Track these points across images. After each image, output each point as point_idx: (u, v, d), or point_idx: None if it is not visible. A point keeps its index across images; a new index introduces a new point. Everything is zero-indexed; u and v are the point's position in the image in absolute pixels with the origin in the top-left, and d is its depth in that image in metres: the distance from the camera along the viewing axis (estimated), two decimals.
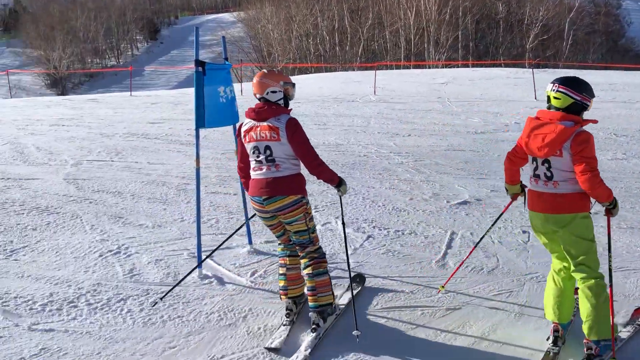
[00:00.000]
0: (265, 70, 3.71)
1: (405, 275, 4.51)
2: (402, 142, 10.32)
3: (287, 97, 3.71)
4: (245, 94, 17.86)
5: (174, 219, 5.95)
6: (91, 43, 61.05)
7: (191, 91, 20.57)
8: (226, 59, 5.20)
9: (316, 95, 17.74)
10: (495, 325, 3.74)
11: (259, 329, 3.68)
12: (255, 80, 3.68)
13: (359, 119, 13.17)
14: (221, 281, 4.41)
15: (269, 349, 3.41)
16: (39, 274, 4.45)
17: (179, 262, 4.79)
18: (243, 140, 3.68)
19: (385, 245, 5.20)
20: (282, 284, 3.82)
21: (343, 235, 3.89)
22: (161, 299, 3.97)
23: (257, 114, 3.59)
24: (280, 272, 3.85)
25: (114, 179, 7.57)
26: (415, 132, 11.29)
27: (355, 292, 4.08)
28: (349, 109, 14.90)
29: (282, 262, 3.85)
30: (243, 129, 3.67)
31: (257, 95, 3.67)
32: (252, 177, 3.67)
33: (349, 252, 5.02)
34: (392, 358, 3.34)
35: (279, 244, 3.89)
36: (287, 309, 3.74)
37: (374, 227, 5.65)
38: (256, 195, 3.61)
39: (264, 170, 3.59)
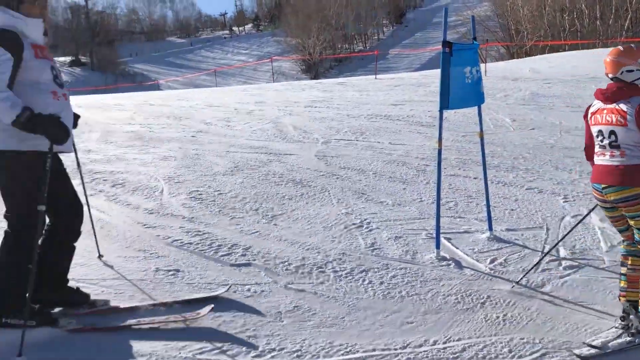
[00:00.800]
0: (621, 47, 3.38)
1: None
2: None
3: None
4: (489, 74, 17.22)
5: (413, 199, 6.07)
6: (341, 30, 65.18)
7: (433, 73, 20.62)
8: (474, 38, 5.06)
9: (569, 75, 16.23)
10: None
11: (498, 317, 3.56)
12: (607, 58, 3.38)
13: None
14: (459, 265, 4.38)
15: (589, 345, 3.21)
16: (294, 239, 4.96)
17: (417, 241, 4.88)
18: (589, 122, 3.50)
19: None
20: (622, 284, 3.49)
21: None
22: (517, 282, 3.96)
23: (606, 96, 3.36)
24: (622, 271, 3.51)
25: (358, 157, 8.02)
26: None
27: None
28: None
29: (624, 260, 3.51)
30: (590, 110, 3.49)
31: (610, 75, 3.38)
32: (595, 162, 3.46)
33: (604, 249, 4.55)
34: None
35: (623, 240, 3.57)
36: (623, 312, 3.41)
37: None
38: (596, 182, 3.40)
39: (607, 156, 3.34)
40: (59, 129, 3.09)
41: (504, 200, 5.93)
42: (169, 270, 4.31)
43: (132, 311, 3.58)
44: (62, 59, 72.25)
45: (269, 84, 24.78)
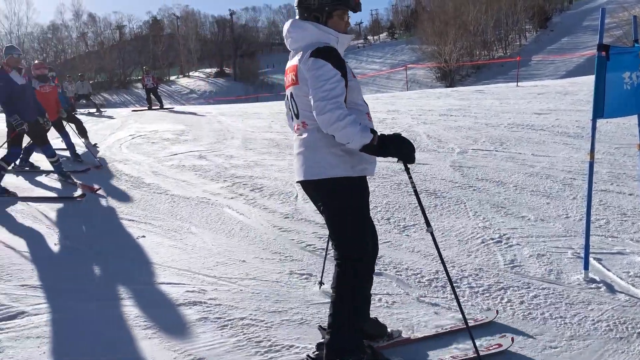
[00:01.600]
0: None
1: None
2: None
3: None
4: None
5: (558, 215, 5.64)
6: (480, 36, 63.03)
7: (582, 80, 19.14)
8: (636, 40, 4.59)
9: None
10: None
11: None
12: None
13: None
14: (611, 289, 3.97)
15: None
16: (426, 251, 4.83)
17: (562, 260, 4.51)
18: None
19: None
20: None
21: None
22: None
23: None
24: None
25: (497, 168, 7.64)
26: None
27: None
28: None
29: None
30: None
31: None
32: None
33: None
34: None
35: None
36: None
37: None
38: None
39: None
40: (410, 148, 2.81)
41: None
42: (302, 274, 4.40)
43: (425, 341, 3.39)
44: (208, 70, 77.94)
45: (403, 92, 24.62)
